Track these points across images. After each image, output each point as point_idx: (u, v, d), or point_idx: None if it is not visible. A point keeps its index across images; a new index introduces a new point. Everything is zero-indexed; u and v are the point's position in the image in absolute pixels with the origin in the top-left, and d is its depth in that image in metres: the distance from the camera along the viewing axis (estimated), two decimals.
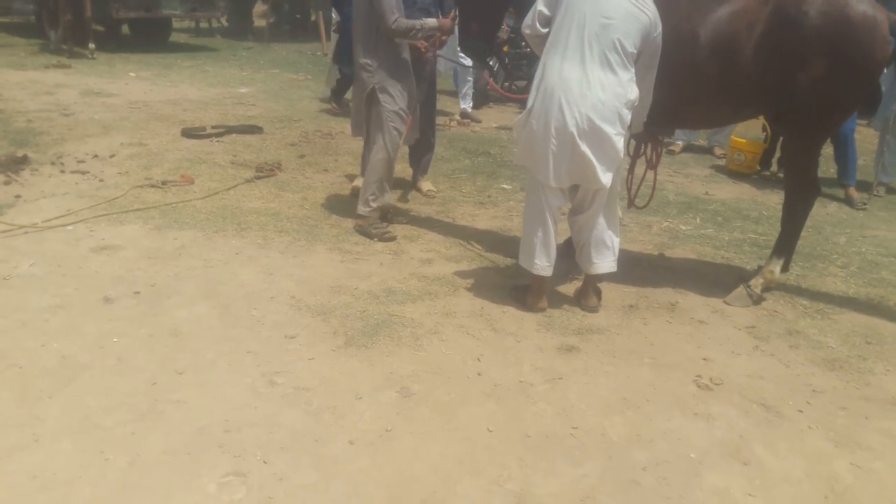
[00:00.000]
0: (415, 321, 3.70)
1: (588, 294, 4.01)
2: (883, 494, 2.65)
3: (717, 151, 7.91)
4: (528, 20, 3.76)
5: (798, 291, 4.43)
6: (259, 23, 17.39)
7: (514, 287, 4.08)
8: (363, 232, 4.88)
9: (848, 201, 6.37)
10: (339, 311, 3.75)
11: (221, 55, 13.47)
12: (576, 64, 3.51)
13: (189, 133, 7.15)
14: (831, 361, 3.59)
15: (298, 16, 18.21)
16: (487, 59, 4.67)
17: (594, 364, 3.44)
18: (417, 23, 4.64)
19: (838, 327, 3.98)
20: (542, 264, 3.84)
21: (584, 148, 3.53)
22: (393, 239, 4.81)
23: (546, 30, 3.67)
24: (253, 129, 7.47)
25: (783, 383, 3.37)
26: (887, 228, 5.81)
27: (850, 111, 4.23)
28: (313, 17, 16.97)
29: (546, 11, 3.66)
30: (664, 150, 7.62)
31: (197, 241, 4.60)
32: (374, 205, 4.89)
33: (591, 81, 3.49)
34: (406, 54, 4.79)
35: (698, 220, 5.76)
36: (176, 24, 15.04)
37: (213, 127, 7.42)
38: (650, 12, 3.54)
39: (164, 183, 5.59)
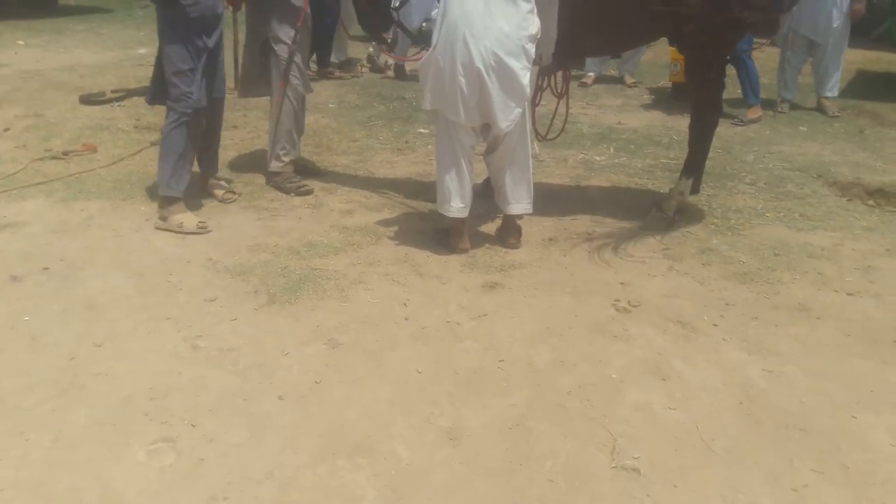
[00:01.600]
0: (339, 273, 3.68)
1: (508, 232, 4.06)
2: (793, 395, 2.80)
3: (628, 80, 8.03)
4: None
5: (709, 210, 4.59)
6: None
7: (437, 230, 4.09)
8: (279, 187, 4.78)
9: (751, 120, 6.58)
10: (259, 270, 3.69)
11: (116, 16, 12.79)
12: None
13: (88, 99, 6.80)
14: (742, 275, 3.75)
15: None
16: (383, 33, 4.46)
17: (518, 298, 3.50)
18: None
19: (748, 242, 4.14)
20: (458, 206, 3.85)
21: (492, 83, 3.52)
22: (310, 192, 4.73)
23: None
24: None
25: (698, 300, 3.51)
26: (791, 144, 6.04)
27: (744, 27, 4.29)
28: None
29: None
30: (578, 83, 7.77)
31: (105, 211, 4.42)
32: (286, 159, 4.78)
33: (494, 14, 3.46)
34: None
35: (612, 149, 5.86)
36: None
37: (112, 91, 7.06)
38: None
39: (65, 153, 5.33)
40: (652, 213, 4.33)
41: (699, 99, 4.26)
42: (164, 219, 4.18)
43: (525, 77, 3.58)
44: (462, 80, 3.53)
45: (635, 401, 2.74)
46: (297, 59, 4.61)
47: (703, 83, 4.21)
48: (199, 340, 3.09)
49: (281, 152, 4.74)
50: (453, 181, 3.82)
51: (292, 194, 4.69)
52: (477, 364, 2.95)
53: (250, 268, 3.73)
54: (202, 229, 4.13)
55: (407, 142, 6.03)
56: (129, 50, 9.52)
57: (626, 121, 6.70)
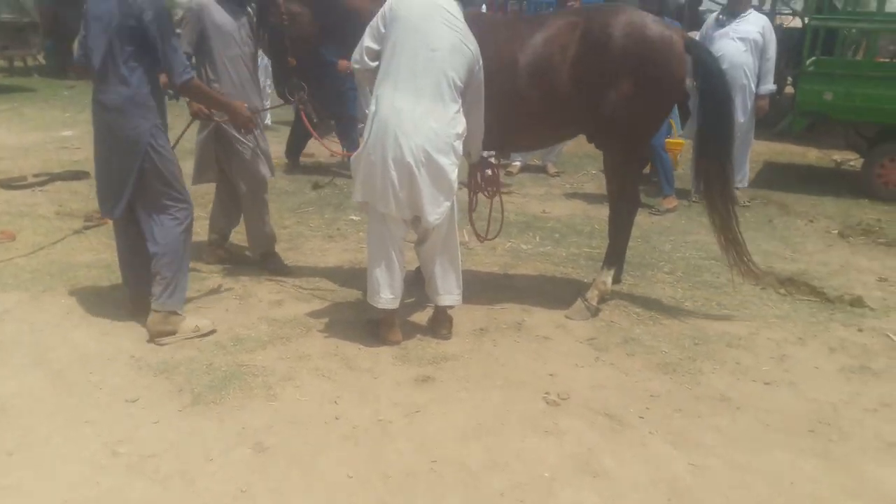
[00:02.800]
0: (266, 369, 3.62)
1: (439, 323, 4.09)
2: (718, 489, 2.87)
3: (551, 170, 8.32)
4: (356, 55, 3.80)
5: (632, 300, 4.74)
6: None
7: (368, 321, 4.09)
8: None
9: (667, 210, 6.89)
10: (183, 367, 3.60)
11: (40, 95, 12.61)
12: (408, 95, 3.59)
13: (7, 184, 6.63)
14: (665, 365, 3.86)
15: None
16: (298, 97, 4.52)
17: (450, 392, 3.51)
18: (215, 93, 4.27)
19: (669, 331, 4.29)
20: (387, 297, 3.87)
21: (422, 178, 3.62)
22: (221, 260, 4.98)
23: (375, 63, 3.73)
24: (79, 175, 7.03)
25: (624, 391, 3.59)
26: (706, 233, 6.27)
27: (660, 124, 4.59)
28: None
29: (374, 46, 3.72)
30: (504, 171, 8.00)
31: (22, 304, 4.27)
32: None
33: (424, 112, 3.59)
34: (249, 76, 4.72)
35: (537, 238, 6.03)
36: None
37: (34, 175, 6.93)
38: (473, 47, 3.71)
39: None
40: (577, 303, 4.45)
41: (618, 193, 4.46)
42: (169, 333, 3.86)
43: (453, 173, 3.69)
44: (393, 174, 3.61)
45: (567, 501, 2.75)
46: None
47: (621, 177, 4.43)
48: (119, 446, 2.97)
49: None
50: (383, 273, 3.86)
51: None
52: (409, 466, 2.92)
53: (174, 365, 3.63)
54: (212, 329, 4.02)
55: (338, 229, 6.06)
56: (54, 132, 9.35)
57: (550, 209, 6.91)
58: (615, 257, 4.58)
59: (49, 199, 6.35)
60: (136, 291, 4.03)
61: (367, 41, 3.73)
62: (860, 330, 4.42)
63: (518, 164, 8.29)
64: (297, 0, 4.22)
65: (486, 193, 4.55)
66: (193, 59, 4.61)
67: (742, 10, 6.78)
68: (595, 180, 8.16)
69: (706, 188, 4.37)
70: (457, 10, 3.74)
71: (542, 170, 8.44)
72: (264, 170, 4.84)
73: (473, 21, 3.91)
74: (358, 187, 3.80)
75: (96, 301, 4.33)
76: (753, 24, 6.81)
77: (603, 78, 4.04)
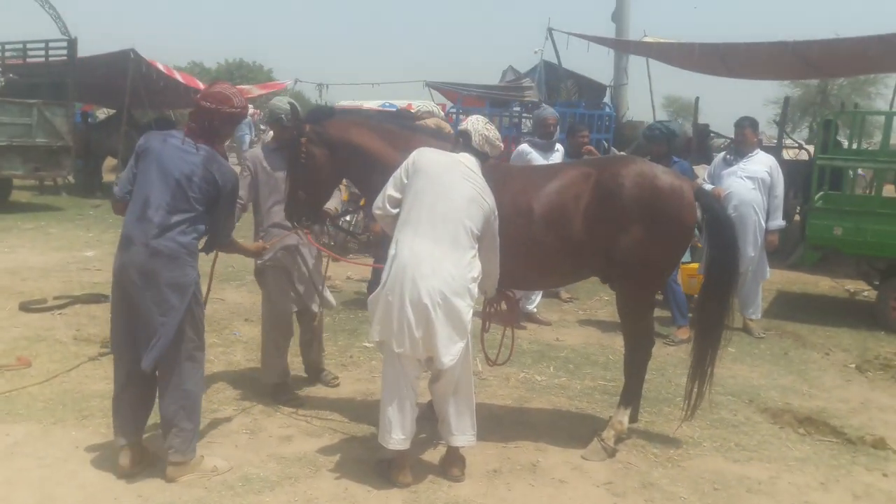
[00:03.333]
0: None
1: (452, 464, 4.02)
2: None
3: (563, 295, 8.37)
4: (378, 202, 3.97)
5: (649, 439, 4.65)
6: (109, 177, 16.99)
7: (379, 462, 4.03)
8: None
9: (682, 340, 6.86)
10: None
11: (67, 215, 12.99)
12: (427, 241, 3.73)
13: (27, 307, 6.74)
14: None
15: None
16: (300, 224, 4.67)
17: None
18: (239, 244, 4.39)
19: (688, 475, 4.18)
20: (398, 438, 3.84)
21: (438, 319, 3.67)
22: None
23: (396, 210, 3.89)
24: (98, 299, 7.12)
25: None
26: (721, 365, 6.16)
27: (671, 269, 4.70)
28: None
29: (396, 195, 3.90)
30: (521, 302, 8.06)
31: (32, 436, 4.25)
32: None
33: (442, 258, 3.70)
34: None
35: (552, 368, 5.99)
36: (17, 181, 14.42)
37: (54, 298, 7.05)
38: (489, 199, 3.90)
39: None
40: (594, 442, 4.38)
41: (632, 333, 4.50)
42: (185, 473, 3.81)
43: (468, 314, 3.76)
44: (410, 314, 3.67)
45: None
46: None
47: (636, 318, 4.47)
48: None
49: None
50: (395, 414, 3.84)
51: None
52: None
53: None
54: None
55: (351, 356, 6.06)
56: (77, 252, 9.58)
57: (563, 337, 6.91)
58: (631, 396, 4.57)
59: (67, 323, 6.43)
60: (134, 441, 3.89)
61: (390, 190, 3.92)
62: (885, 475, 4.30)
63: None
64: (319, 143, 4.42)
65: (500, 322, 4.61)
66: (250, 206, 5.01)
67: (749, 150, 7.01)
68: (608, 306, 8.17)
69: (700, 320, 4.49)
70: (475, 166, 3.96)
71: (554, 294, 8.49)
72: (286, 303, 5.01)
73: (491, 170, 4.12)
74: (375, 326, 3.85)
75: (106, 434, 4.29)
76: (761, 163, 7.03)
77: (615, 225, 4.17)
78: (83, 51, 14.49)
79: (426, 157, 3.90)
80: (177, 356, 3.75)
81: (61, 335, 6.08)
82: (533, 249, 4.27)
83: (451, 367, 3.80)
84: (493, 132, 4.09)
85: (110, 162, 17.38)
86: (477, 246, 3.85)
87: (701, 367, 4.43)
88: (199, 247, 3.89)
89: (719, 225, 4.37)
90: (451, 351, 3.74)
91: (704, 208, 4.38)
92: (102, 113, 22.23)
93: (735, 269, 4.41)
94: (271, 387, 5.04)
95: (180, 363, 3.77)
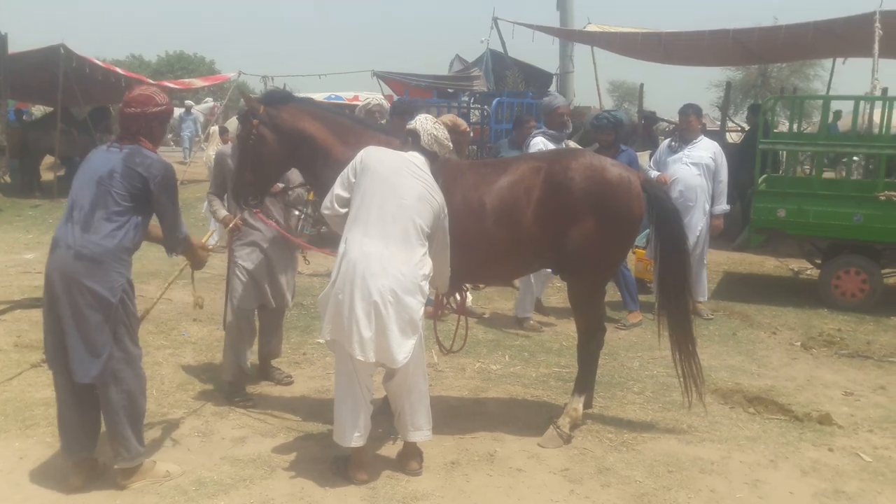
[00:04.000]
0: None
1: (409, 458, 4.01)
2: None
3: (517, 284, 8.39)
4: (326, 202, 3.93)
5: (603, 423, 4.70)
6: (47, 176, 16.42)
7: (335, 459, 3.98)
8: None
9: (633, 325, 6.96)
10: None
11: (4, 216, 12.54)
12: (377, 240, 3.70)
13: None
14: (640, 497, 3.80)
15: None
16: (252, 205, 4.63)
17: None
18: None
19: (642, 458, 4.24)
20: (353, 436, 3.81)
21: (388, 317, 3.64)
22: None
23: (345, 210, 3.85)
24: (39, 303, 6.85)
25: None
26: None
27: (621, 259, 4.75)
28: None
29: (344, 194, 3.87)
30: (472, 286, 8.07)
31: None
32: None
33: (391, 256, 3.67)
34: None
35: (507, 357, 6.02)
36: None
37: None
38: (438, 197, 3.89)
39: None
40: (549, 430, 4.41)
41: (585, 323, 4.54)
42: (136, 479, 3.74)
43: (419, 312, 3.74)
44: (360, 313, 3.63)
45: None
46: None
47: (588, 308, 4.52)
48: None
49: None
50: (350, 412, 3.81)
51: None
52: None
53: None
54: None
55: (304, 353, 5.99)
56: (15, 255, 9.27)
57: (517, 325, 6.93)
58: (586, 383, 4.61)
59: (7, 330, 6.20)
60: (84, 457, 3.76)
61: (338, 189, 3.88)
62: (831, 450, 4.42)
63: None
64: (270, 126, 4.34)
65: (453, 310, 4.60)
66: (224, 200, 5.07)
67: (694, 136, 7.13)
68: (560, 292, 8.21)
69: (665, 308, 4.51)
70: (423, 164, 3.94)
71: (510, 284, 8.51)
72: (248, 301, 4.97)
73: (442, 166, 4.11)
74: (326, 325, 3.80)
75: (52, 443, 4.16)
76: (705, 149, 7.16)
77: (566, 218, 4.19)
78: (14, 46, 13.99)
79: (374, 156, 3.87)
80: (109, 363, 3.60)
81: (1, 342, 5.87)
82: (486, 243, 4.26)
83: (404, 365, 3.78)
84: (441, 132, 4.06)
85: (48, 160, 16.80)
86: (427, 244, 3.84)
87: (685, 350, 4.48)
88: (132, 250, 3.74)
89: (666, 214, 4.44)
90: (403, 349, 3.71)
91: (651, 199, 4.42)
92: (38, 110, 21.53)
93: (685, 253, 4.49)
94: (226, 384, 4.94)
95: (115, 370, 3.62)
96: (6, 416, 4.50)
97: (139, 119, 3.76)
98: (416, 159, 3.94)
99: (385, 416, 4.37)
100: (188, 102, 22.15)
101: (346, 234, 3.77)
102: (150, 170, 3.69)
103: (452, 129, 6.00)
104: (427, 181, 3.87)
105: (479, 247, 4.25)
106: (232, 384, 4.93)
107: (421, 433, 3.95)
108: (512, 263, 4.51)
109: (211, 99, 23.82)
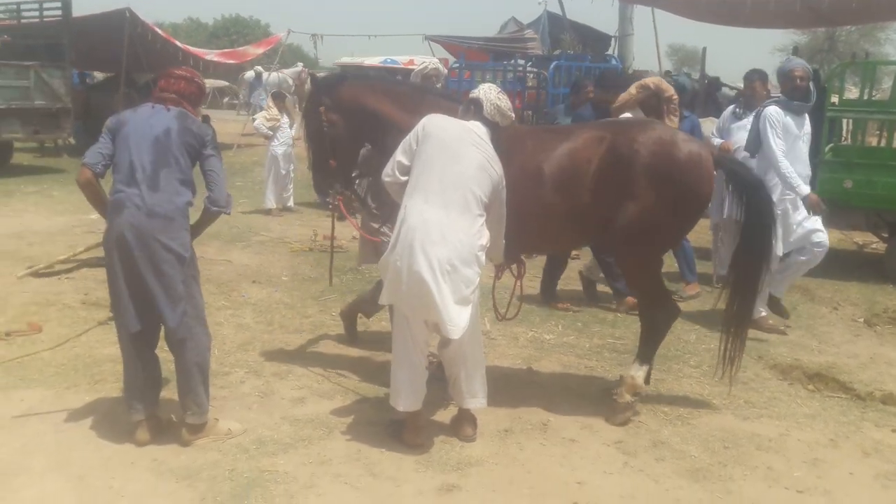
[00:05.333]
0: (288, 475, 3.58)
1: (463, 424, 4.05)
2: None
3: (572, 253, 8.33)
4: (388, 169, 3.93)
5: (658, 397, 4.66)
6: None
7: (391, 423, 4.05)
8: None
9: (690, 296, 6.85)
10: (205, 473, 3.57)
11: (69, 177, 12.79)
12: (437, 207, 3.69)
13: (35, 272, 6.73)
14: (695, 472, 3.77)
15: None
16: (333, 194, 4.65)
17: (475, 502, 3.44)
18: None
19: (698, 433, 4.20)
20: (409, 401, 3.86)
21: (446, 286, 3.64)
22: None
23: (405, 178, 3.84)
24: (104, 262, 7.10)
25: (654, 501, 3.50)
26: None
27: (681, 237, 4.64)
28: None
29: (406, 161, 3.86)
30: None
31: (46, 401, 4.28)
32: None
33: (452, 224, 3.67)
34: None
35: (560, 327, 6.00)
36: (17, 144, 14.30)
37: (61, 262, 7.03)
38: (497, 168, 3.85)
39: (7, 334, 5.20)
40: (609, 402, 4.37)
41: (643, 294, 4.48)
42: (202, 436, 3.86)
43: (476, 282, 3.75)
44: (417, 280, 3.64)
45: None
46: None
47: (642, 280, 4.42)
48: None
49: None
50: (406, 376, 3.86)
51: None
52: None
53: (197, 470, 3.60)
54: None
55: (361, 317, 6.05)
56: (81, 215, 9.54)
57: (573, 295, 6.89)
58: (646, 354, 4.47)
59: (75, 288, 6.43)
60: (151, 413, 3.91)
61: (400, 156, 3.87)
62: (894, 431, 4.31)
63: None
64: (335, 109, 4.44)
65: (513, 274, 4.59)
66: None
67: (758, 102, 6.89)
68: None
69: (736, 281, 4.39)
70: (484, 134, 3.90)
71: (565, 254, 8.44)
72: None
73: (503, 133, 4.06)
74: (385, 290, 3.84)
75: (119, 398, 4.32)
76: None
77: (626, 192, 4.08)
78: (78, 10, 14.26)
79: (435, 124, 3.85)
80: (185, 318, 3.75)
81: (70, 300, 6.09)
82: (544, 212, 4.22)
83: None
84: (505, 102, 4.01)
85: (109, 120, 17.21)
86: (485, 214, 3.82)
87: (737, 329, 4.38)
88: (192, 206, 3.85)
89: (748, 188, 4.27)
90: (459, 319, 3.72)
91: (730, 175, 4.29)
92: (101, 74, 21.97)
93: (770, 230, 4.30)
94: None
95: (189, 325, 3.77)
96: (76, 371, 4.68)
97: (184, 82, 3.91)
98: (477, 129, 3.90)
99: (441, 382, 4.41)
100: (258, 68, 21.84)
101: (405, 201, 3.78)
102: (202, 129, 3.84)
103: (655, 94, 5.83)
104: (487, 151, 3.84)
105: (535, 215, 4.20)
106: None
107: (476, 400, 3.98)
108: (566, 233, 4.45)
109: (301, 63, 23.87)
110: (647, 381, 4.56)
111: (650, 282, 4.41)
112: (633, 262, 4.39)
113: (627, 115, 5.80)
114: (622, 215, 4.12)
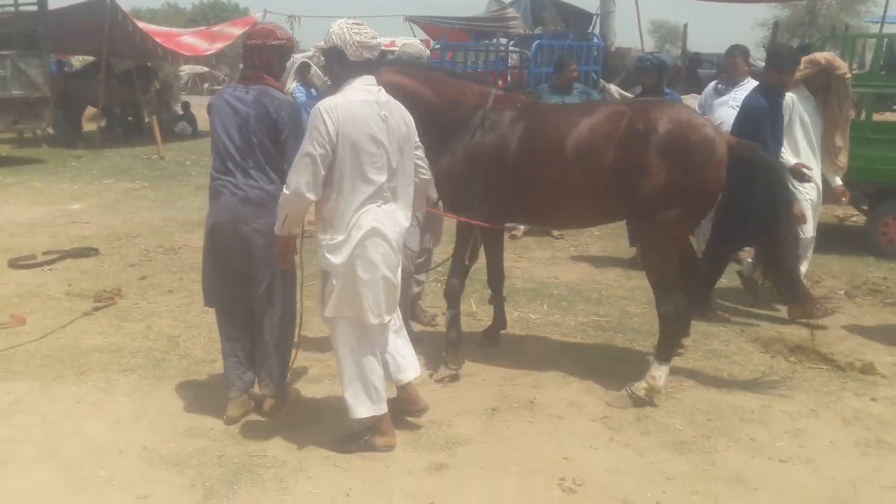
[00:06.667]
0: (277, 459, 3.60)
1: (410, 401, 3.96)
2: None
3: (555, 233, 8.37)
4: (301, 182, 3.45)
5: (642, 373, 4.69)
6: (89, 127, 16.69)
7: (352, 436, 3.74)
8: None
9: None
10: (195, 459, 3.58)
11: (49, 167, 12.79)
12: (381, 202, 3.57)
13: (17, 263, 6.70)
14: (680, 444, 3.83)
15: (131, 118, 17.56)
16: None
17: (463, 480, 3.48)
18: None
19: (682, 406, 4.26)
20: (374, 406, 3.66)
21: (392, 278, 3.63)
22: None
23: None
24: (88, 252, 7.10)
25: (639, 474, 3.55)
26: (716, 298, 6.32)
27: (694, 222, 4.52)
28: (147, 119, 16.51)
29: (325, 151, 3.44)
30: (509, 235, 8.08)
31: (33, 393, 4.27)
32: None
33: (394, 216, 3.61)
34: None
35: (545, 306, 6.03)
36: None
37: (43, 253, 7.00)
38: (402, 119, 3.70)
39: None
40: (621, 392, 4.31)
41: (658, 285, 4.37)
42: (283, 408, 4.04)
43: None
44: (377, 277, 3.57)
45: None
46: None
47: (659, 270, 4.35)
48: None
49: None
50: (364, 385, 3.65)
51: None
52: None
53: (186, 457, 3.61)
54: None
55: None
56: (62, 205, 9.48)
57: (557, 274, 6.94)
58: (663, 351, 4.35)
59: (58, 279, 6.40)
60: (244, 390, 4.04)
61: (317, 150, 3.50)
62: (873, 399, 4.39)
63: (522, 227, 8.35)
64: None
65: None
66: None
67: (740, 78, 6.91)
68: (599, 242, 8.21)
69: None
70: (377, 89, 3.63)
71: (546, 233, 8.49)
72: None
73: (528, 110, 4.35)
74: (333, 303, 3.59)
75: (106, 388, 4.33)
76: None
77: (640, 169, 4.07)
78: (55, 2, 14.10)
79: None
80: (273, 299, 3.91)
81: (53, 291, 6.06)
82: (561, 184, 4.27)
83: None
84: (364, 33, 3.55)
85: (90, 111, 17.04)
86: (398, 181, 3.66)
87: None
88: None
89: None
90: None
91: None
92: (78, 61, 21.69)
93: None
94: None
95: (277, 305, 3.92)
96: (62, 362, 4.67)
97: (260, 51, 3.83)
98: (376, 92, 3.58)
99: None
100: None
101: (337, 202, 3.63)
102: (279, 112, 3.80)
103: (826, 70, 5.51)
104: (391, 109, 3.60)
105: (555, 186, 4.28)
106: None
107: (409, 372, 3.90)
108: (584, 206, 4.40)
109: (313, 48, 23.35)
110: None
111: (664, 271, 4.32)
112: (646, 244, 4.45)
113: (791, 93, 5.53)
114: (637, 193, 4.11)
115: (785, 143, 5.53)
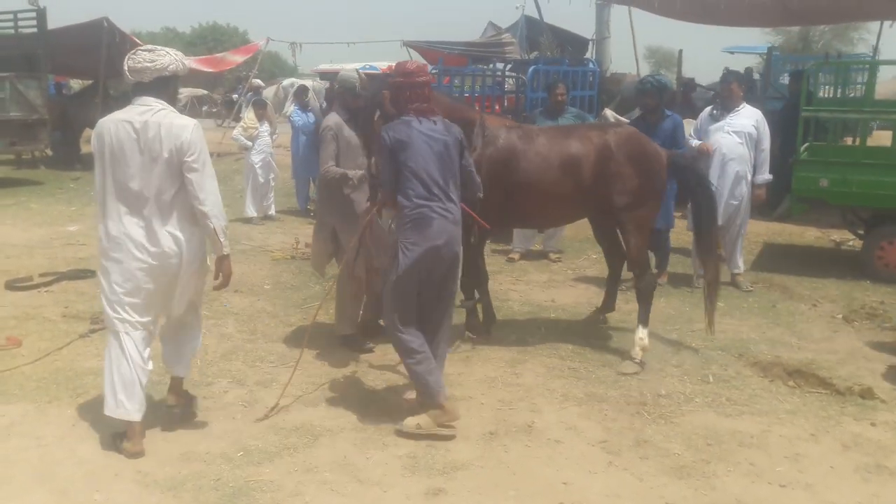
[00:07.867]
0: (274, 483, 3.57)
1: (173, 394, 4.18)
2: None
3: (552, 256, 8.39)
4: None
5: (641, 396, 4.70)
6: (87, 149, 16.68)
7: (112, 435, 3.91)
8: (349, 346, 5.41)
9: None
10: (190, 483, 3.55)
11: (47, 189, 12.81)
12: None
13: (14, 285, 6.67)
14: (679, 469, 3.81)
15: None
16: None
17: None
18: (349, 172, 5.08)
19: (681, 431, 4.24)
20: (131, 408, 3.83)
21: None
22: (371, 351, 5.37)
23: None
24: (84, 274, 7.07)
25: (639, 499, 3.54)
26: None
27: (655, 211, 5.53)
28: None
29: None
30: (506, 258, 8.10)
31: (28, 416, 4.24)
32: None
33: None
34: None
35: (543, 329, 6.02)
36: None
37: (40, 275, 6.98)
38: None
39: None
40: (625, 362, 5.16)
41: (636, 264, 5.44)
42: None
43: None
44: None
45: None
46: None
47: (637, 251, 5.41)
48: None
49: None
50: (124, 384, 3.90)
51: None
52: None
53: (181, 481, 3.58)
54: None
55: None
56: (59, 227, 9.47)
57: (556, 297, 6.93)
58: (644, 317, 5.38)
59: (55, 301, 6.38)
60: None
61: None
62: (873, 424, 4.38)
63: (519, 251, 8.36)
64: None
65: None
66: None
67: (736, 104, 6.98)
68: (596, 265, 8.20)
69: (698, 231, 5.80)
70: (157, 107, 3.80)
71: (543, 255, 8.50)
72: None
73: (520, 133, 5.32)
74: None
75: (101, 411, 4.29)
76: (747, 117, 7.00)
77: (614, 177, 5.22)
78: (53, 21, 14.17)
79: None
80: (451, 305, 4.39)
81: (50, 313, 6.04)
82: (550, 192, 5.23)
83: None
84: (135, 59, 3.75)
85: (88, 133, 17.06)
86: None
87: (714, 286, 5.50)
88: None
89: (687, 173, 5.59)
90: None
91: (675, 168, 5.44)
92: (77, 83, 21.79)
93: (713, 212, 5.54)
94: (343, 337, 5.46)
95: (451, 309, 4.39)
96: (58, 385, 4.65)
97: (425, 86, 4.23)
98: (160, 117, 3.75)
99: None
100: (257, 82, 20.80)
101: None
102: (460, 135, 4.27)
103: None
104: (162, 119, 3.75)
105: (545, 194, 5.23)
106: (347, 337, 5.46)
107: (181, 367, 4.20)
108: (567, 209, 5.51)
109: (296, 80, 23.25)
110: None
111: (641, 251, 5.43)
112: (629, 234, 5.37)
113: None
114: (613, 195, 5.23)
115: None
